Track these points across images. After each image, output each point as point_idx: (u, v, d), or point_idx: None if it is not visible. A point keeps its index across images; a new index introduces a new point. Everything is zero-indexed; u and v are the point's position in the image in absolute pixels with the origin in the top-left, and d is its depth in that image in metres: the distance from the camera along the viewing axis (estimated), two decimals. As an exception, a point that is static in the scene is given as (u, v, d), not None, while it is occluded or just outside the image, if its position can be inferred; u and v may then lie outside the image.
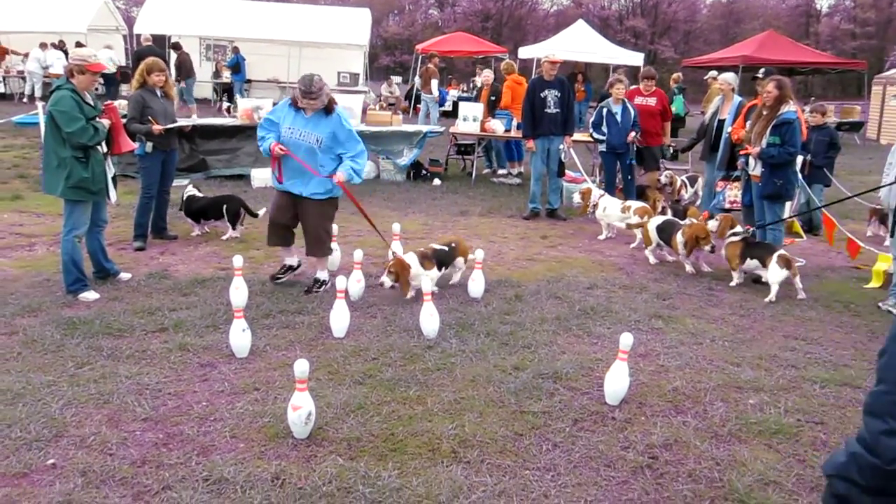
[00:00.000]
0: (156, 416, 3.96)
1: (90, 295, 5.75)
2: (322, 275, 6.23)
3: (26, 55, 21.58)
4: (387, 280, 5.78)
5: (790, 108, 6.79)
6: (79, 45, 19.30)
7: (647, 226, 7.66)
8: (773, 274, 6.41)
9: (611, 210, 8.58)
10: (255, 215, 7.76)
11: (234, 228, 7.77)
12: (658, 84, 10.38)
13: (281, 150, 5.80)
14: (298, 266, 6.43)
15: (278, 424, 3.87)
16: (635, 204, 8.46)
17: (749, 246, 6.77)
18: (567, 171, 10.37)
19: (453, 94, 24.11)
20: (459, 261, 6.40)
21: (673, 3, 48.63)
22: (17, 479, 3.34)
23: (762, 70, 8.61)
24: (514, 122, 11.65)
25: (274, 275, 6.34)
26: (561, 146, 9.52)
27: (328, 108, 5.82)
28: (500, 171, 12.92)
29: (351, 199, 6.06)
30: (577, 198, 9.45)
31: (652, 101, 9.95)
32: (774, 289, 6.42)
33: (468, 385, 4.47)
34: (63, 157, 5.56)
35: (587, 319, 5.72)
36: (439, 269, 6.13)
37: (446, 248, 6.26)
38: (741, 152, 7.23)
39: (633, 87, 10.42)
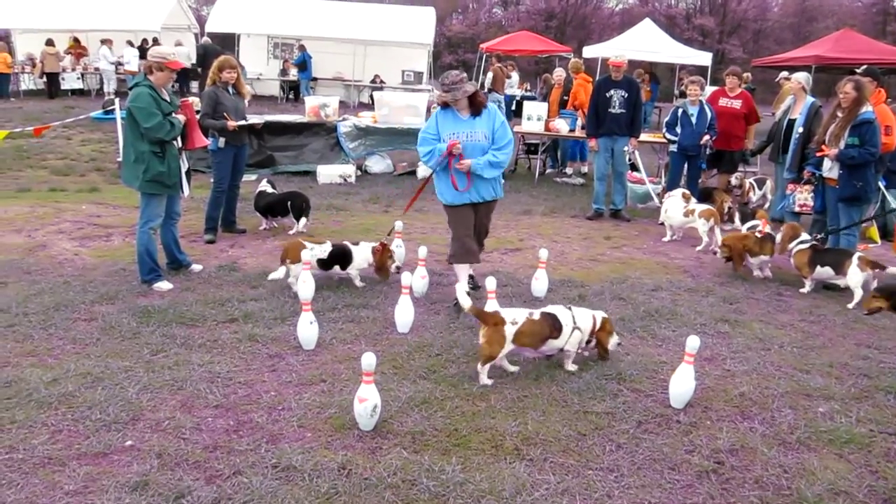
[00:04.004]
0: (227, 403, 4.10)
1: (164, 285, 5.95)
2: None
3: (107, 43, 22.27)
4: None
5: (868, 108, 6.60)
6: (156, 41, 19.96)
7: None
8: (854, 278, 6.23)
9: (673, 212, 8.45)
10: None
11: (298, 223, 7.92)
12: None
13: (458, 148, 5.51)
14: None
15: (344, 416, 3.95)
16: (699, 207, 8.28)
17: (818, 253, 6.57)
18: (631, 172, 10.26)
19: (517, 92, 23.95)
20: None
21: (742, 0, 47.43)
22: (98, 458, 3.50)
23: (863, 67, 8.23)
24: (579, 122, 11.54)
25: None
26: (626, 147, 9.41)
27: (478, 105, 5.62)
28: (565, 171, 12.85)
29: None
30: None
31: (737, 104, 9.52)
32: (858, 293, 6.21)
33: (531, 383, 4.48)
34: (141, 152, 5.76)
35: (651, 322, 5.66)
36: None
37: None
38: (817, 153, 7.01)
39: (717, 87, 10.08)
